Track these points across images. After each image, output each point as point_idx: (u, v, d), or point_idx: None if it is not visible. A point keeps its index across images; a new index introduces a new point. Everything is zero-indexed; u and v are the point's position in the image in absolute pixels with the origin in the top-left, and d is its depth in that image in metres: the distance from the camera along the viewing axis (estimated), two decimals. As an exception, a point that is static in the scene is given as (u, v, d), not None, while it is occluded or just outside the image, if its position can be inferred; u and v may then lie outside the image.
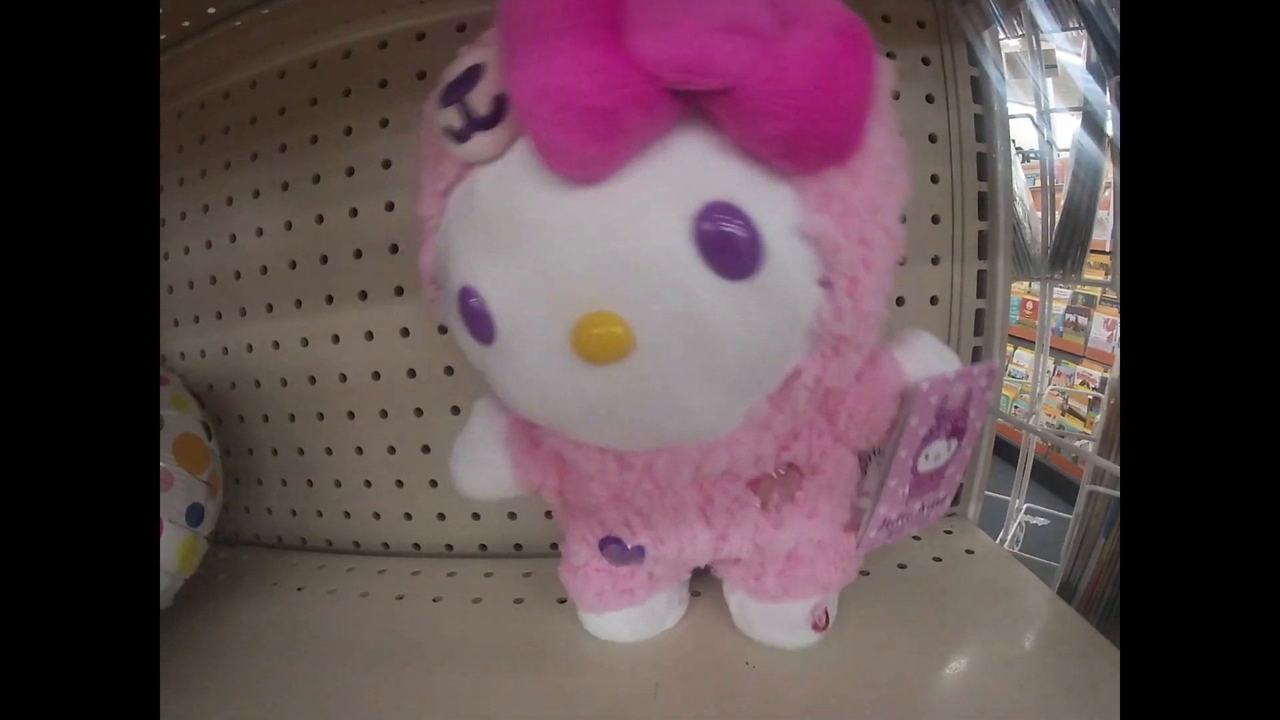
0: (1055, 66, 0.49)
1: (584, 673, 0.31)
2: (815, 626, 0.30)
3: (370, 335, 0.40)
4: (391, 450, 0.41)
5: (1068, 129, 0.47)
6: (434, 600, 0.38)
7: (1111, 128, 0.40)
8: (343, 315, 0.40)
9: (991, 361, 0.27)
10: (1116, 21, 0.37)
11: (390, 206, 0.38)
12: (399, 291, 0.39)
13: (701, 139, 0.18)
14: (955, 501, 0.43)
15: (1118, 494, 0.35)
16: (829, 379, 0.22)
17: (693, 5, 0.16)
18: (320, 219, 0.40)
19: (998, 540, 0.48)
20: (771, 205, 0.19)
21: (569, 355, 0.19)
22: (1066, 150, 0.49)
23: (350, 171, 0.39)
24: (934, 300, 0.40)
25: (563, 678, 0.30)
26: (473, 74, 0.19)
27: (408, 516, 0.43)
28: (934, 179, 0.39)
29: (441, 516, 0.42)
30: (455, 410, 0.40)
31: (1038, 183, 0.49)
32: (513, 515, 0.41)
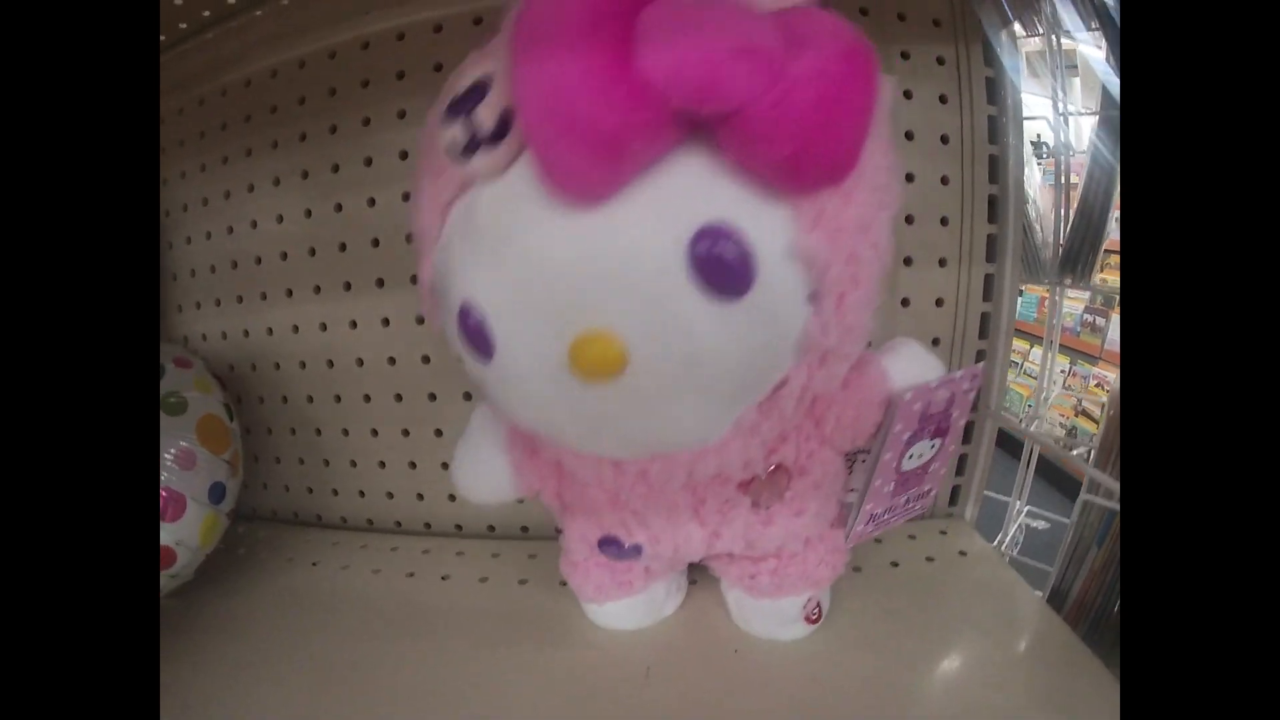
0: (1075, 66, 0.49)
1: (581, 653, 0.32)
2: (809, 619, 0.32)
3: (387, 322, 0.41)
4: (405, 433, 0.43)
5: (1087, 130, 0.47)
6: (443, 578, 0.39)
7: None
8: (361, 301, 0.41)
9: (976, 366, 0.28)
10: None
11: (407, 197, 0.39)
12: (415, 280, 0.40)
13: (700, 159, 0.18)
14: (953, 502, 0.44)
15: (1112, 506, 0.35)
16: (815, 387, 0.23)
17: (703, 24, 0.16)
18: (339, 207, 0.41)
19: (996, 542, 0.49)
20: (766, 226, 0.19)
21: (566, 372, 0.20)
22: (1083, 152, 0.48)
23: (369, 162, 0.40)
24: (939, 302, 0.40)
25: (560, 657, 0.32)
26: (478, 89, 0.19)
27: (420, 497, 0.44)
28: (944, 180, 0.39)
29: (452, 498, 0.44)
30: (467, 396, 0.41)
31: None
32: (520, 499, 0.42)
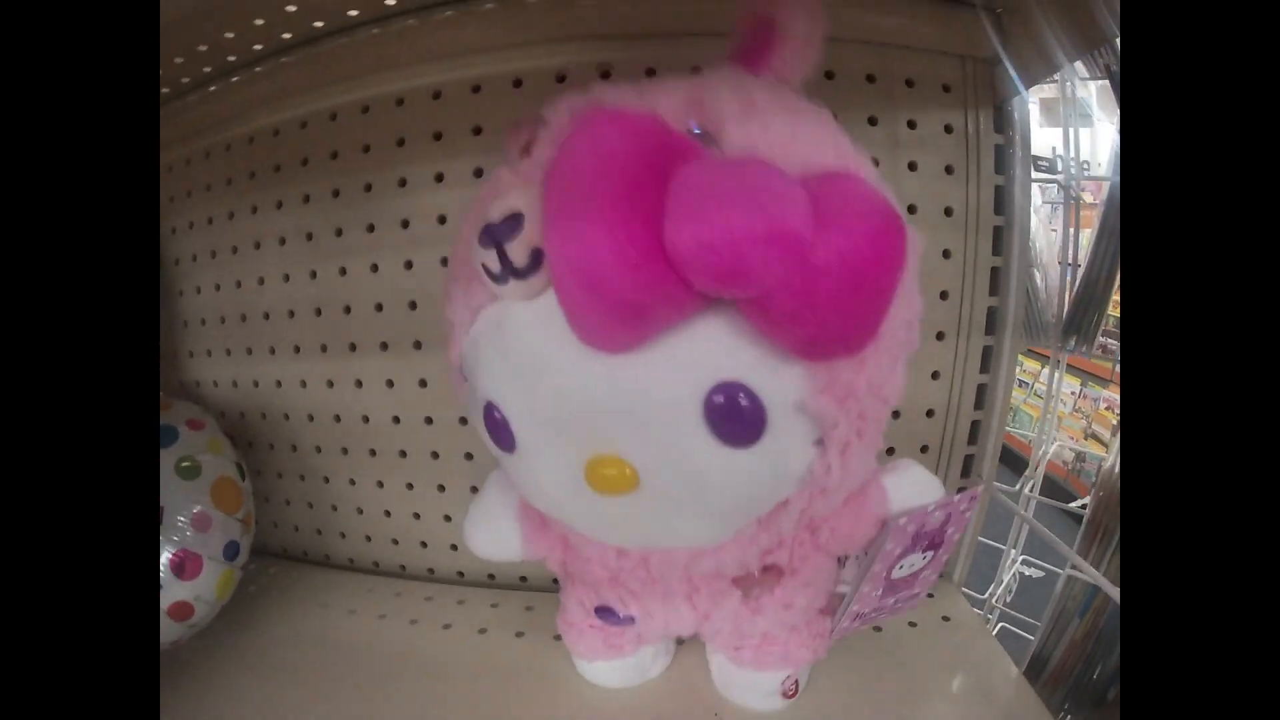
0: (1090, 116, 0.47)
1: (570, 710, 0.34)
2: (785, 695, 0.33)
3: (390, 383, 0.42)
4: (410, 487, 0.44)
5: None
6: (444, 627, 0.41)
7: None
8: (365, 363, 0.42)
9: (975, 489, 0.28)
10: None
11: (409, 265, 0.39)
12: (417, 345, 0.41)
13: (722, 322, 0.19)
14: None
15: (1094, 582, 0.36)
16: (814, 511, 0.25)
17: (734, 200, 0.16)
18: (343, 271, 0.41)
19: (987, 594, 0.50)
20: (779, 385, 0.20)
21: (581, 482, 0.21)
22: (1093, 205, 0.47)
23: (371, 228, 0.40)
24: (935, 375, 0.40)
25: (550, 713, 0.34)
26: (513, 222, 0.19)
27: (423, 544, 0.46)
28: (946, 254, 0.39)
29: (454, 547, 0.45)
30: (469, 456, 0.42)
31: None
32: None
